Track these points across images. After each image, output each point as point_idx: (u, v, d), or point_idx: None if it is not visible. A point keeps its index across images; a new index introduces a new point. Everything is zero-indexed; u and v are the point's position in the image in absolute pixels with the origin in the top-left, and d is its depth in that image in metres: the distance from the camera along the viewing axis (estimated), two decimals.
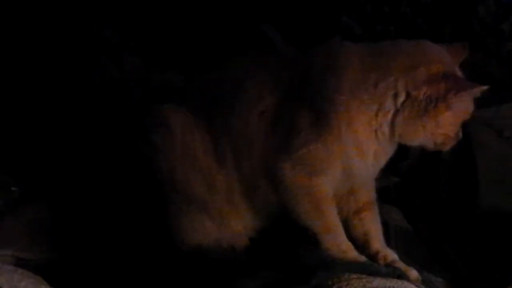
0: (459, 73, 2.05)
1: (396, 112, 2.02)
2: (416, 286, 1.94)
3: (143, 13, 3.09)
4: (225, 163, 2.16)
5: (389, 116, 2.03)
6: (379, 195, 2.53)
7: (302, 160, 2.07)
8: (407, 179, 2.59)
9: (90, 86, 2.88)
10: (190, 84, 2.41)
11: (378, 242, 2.19)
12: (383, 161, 2.13)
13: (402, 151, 2.46)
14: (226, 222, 2.22)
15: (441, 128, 2.02)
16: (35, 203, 2.51)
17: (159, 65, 2.97)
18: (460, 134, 2.07)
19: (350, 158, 2.06)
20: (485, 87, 2.00)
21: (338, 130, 2.03)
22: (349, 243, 2.13)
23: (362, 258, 2.10)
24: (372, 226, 2.20)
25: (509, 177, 2.52)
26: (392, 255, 2.16)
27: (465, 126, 2.59)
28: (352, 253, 2.11)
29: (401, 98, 2.01)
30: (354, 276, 1.90)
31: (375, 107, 2.02)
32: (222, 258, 2.19)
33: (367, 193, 2.21)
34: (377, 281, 1.88)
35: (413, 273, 2.09)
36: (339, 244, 2.11)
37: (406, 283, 1.91)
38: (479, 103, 2.63)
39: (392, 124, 2.03)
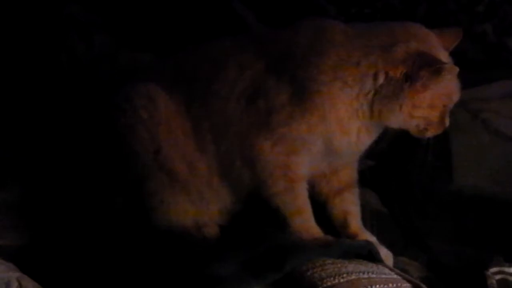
0: (444, 56, 2.04)
1: (376, 92, 2.01)
2: (390, 269, 1.93)
3: None
4: (204, 145, 2.16)
5: (370, 96, 2.03)
6: None
7: (282, 138, 2.06)
8: (383, 162, 2.58)
9: (59, 65, 2.84)
10: (163, 62, 2.38)
11: (357, 224, 2.21)
12: (367, 141, 2.13)
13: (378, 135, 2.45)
14: (205, 205, 2.21)
15: (419, 110, 2.01)
16: (6, 187, 2.47)
17: (128, 44, 2.94)
18: (447, 122, 2.06)
19: (333, 137, 2.06)
20: (456, 68, 1.98)
21: (321, 110, 2.03)
22: (318, 228, 2.13)
23: (331, 239, 2.10)
24: (352, 207, 2.22)
25: (483, 158, 2.52)
26: (370, 238, 2.17)
27: None
28: (322, 236, 2.11)
29: (381, 78, 2.00)
30: (328, 261, 1.89)
31: (357, 87, 2.02)
32: (197, 242, 2.18)
33: (350, 174, 2.23)
34: (352, 266, 1.88)
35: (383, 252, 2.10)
36: (308, 228, 2.11)
37: (380, 267, 1.91)
38: None
39: (372, 104, 2.02)
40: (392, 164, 2.58)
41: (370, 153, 2.41)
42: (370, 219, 2.39)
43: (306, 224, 2.11)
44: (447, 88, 2.02)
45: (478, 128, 2.59)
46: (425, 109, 2.01)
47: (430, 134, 2.07)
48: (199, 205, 2.21)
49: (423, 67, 1.96)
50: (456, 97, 2.06)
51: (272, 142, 2.06)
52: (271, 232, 2.10)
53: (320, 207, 2.23)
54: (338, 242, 2.04)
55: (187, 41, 2.31)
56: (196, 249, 2.14)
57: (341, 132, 2.05)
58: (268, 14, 3.01)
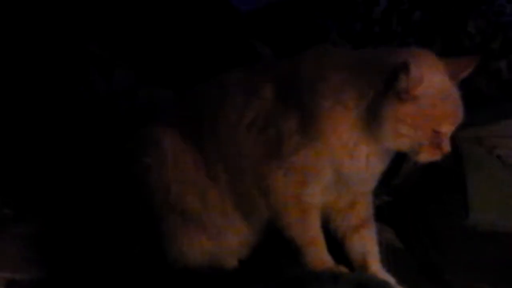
0: (441, 81, 1.97)
1: (369, 109, 2.00)
2: None
3: (133, 28, 3.09)
4: (216, 177, 2.16)
5: (365, 115, 2.01)
6: None
7: (293, 167, 2.06)
8: (399, 197, 2.58)
9: (80, 101, 2.87)
10: (178, 99, 2.40)
11: (376, 265, 2.19)
12: (378, 166, 2.11)
13: (394, 170, 2.46)
14: (223, 237, 2.21)
15: (404, 127, 1.96)
16: (27, 223, 2.49)
17: (148, 80, 2.97)
18: (446, 148, 2.00)
19: (341, 164, 2.05)
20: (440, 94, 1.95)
21: (325, 136, 2.02)
22: (331, 258, 2.12)
23: (344, 270, 2.09)
24: (371, 246, 2.20)
25: (499, 194, 2.52)
26: (389, 279, 2.15)
27: (456, 143, 2.61)
28: (334, 267, 2.10)
29: (372, 94, 1.98)
30: None
31: (356, 109, 2.00)
32: (216, 276, 2.19)
33: (366, 208, 2.20)
34: None
35: None
36: (321, 258, 2.11)
37: None
38: (470, 120, 2.65)
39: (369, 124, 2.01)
40: (408, 199, 2.59)
41: (387, 189, 2.42)
42: (386, 254, 2.39)
43: (319, 255, 2.11)
44: (433, 110, 1.95)
45: (494, 164, 2.60)
46: (410, 127, 1.95)
47: (424, 158, 1.99)
48: (216, 238, 2.20)
49: (401, 76, 1.92)
50: (447, 126, 1.98)
51: (284, 171, 2.06)
52: (287, 264, 2.10)
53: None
54: (352, 275, 2.04)
55: (207, 77, 2.33)
56: (214, 284, 2.14)
57: (349, 158, 2.04)
58: (285, 50, 3.03)
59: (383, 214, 2.54)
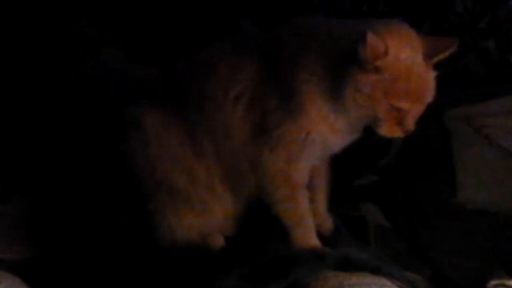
0: (410, 55, 1.93)
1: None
2: (392, 282, 1.94)
3: (121, 6, 3.07)
4: (204, 153, 2.15)
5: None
6: (359, 193, 2.55)
7: (279, 141, 2.05)
8: (386, 177, 2.59)
9: (69, 79, 2.86)
10: (161, 76, 2.40)
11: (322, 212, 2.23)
12: (351, 137, 2.10)
13: (381, 149, 2.46)
14: (209, 213, 2.21)
15: (361, 97, 1.94)
16: (14, 202, 2.49)
17: (137, 58, 2.96)
18: (408, 127, 1.96)
19: (324, 136, 2.05)
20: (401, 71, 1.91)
21: (305, 109, 2.01)
22: (317, 239, 2.13)
23: (329, 251, 2.10)
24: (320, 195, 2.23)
25: (487, 173, 2.53)
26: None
27: (444, 122, 2.62)
28: (320, 247, 2.10)
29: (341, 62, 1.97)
30: (331, 274, 1.90)
31: (330, 79, 1.99)
32: (202, 254, 2.19)
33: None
34: (355, 279, 1.89)
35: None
36: (308, 239, 2.11)
37: (383, 280, 1.92)
38: (458, 100, 2.66)
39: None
40: (396, 179, 2.59)
41: (374, 168, 2.42)
42: (373, 233, 2.40)
43: (305, 234, 2.12)
44: (394, 85, 1.92)
45: (482, 143, 2.60)
46: (367, 97, 1.93)
47: (383, 132, 1.97)
48: (203, 214, 2.20)
49: (360, 45, 1.89)
50: (407, 103, 1.93)
51: (270, 146, 2.06)
52: (274, 244, 2.11)
53: None
54: (337, 253, 2.05)
55: (193, 54, 2.32)
56: (201, 262, 2.14)
57: (331, 131, 2.03)
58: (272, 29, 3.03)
59: (371, 194, 2.55)
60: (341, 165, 2.19)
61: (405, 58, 1.92)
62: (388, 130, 1.97)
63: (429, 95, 1.97)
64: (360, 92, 1.93)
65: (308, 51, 2.01)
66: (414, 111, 1.96)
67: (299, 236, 2.12)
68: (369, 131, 2.01)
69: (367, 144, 2.08)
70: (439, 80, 1.99)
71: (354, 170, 2.56)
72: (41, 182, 2.56)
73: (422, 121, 2.01)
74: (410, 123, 1.96)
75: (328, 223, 2.23)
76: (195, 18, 3.09)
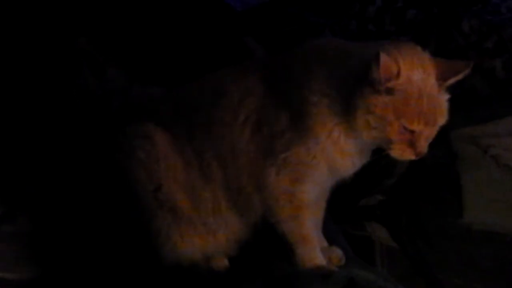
0: (423, 78, 1.92)
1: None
2: None
3: (126, 26, 3.08)
4: (210, 175, 2.15)
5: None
6: (365, 213, 2.53)
7: (285, 164, 2.05)
8: (393, 197, 2.58)
9: (71, 99, 2.86)
10: (168, 97, 2.40)
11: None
12: (362, 160, 2.08)
13: (387, 169, 2.46)
14: (211, 235, 2.20)
15: (374, 119, 1.92)
16: (18, 221, 2.48)
17: (141, 78, 2.96)
18: (420, 149, 1.95)
19: (333, 160, 2.04)
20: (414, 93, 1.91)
21: (314, 131, 2.01)
22: (322, 258, 2.12)
23: (335, 269, 2.10)
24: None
25: (494, 193, 2.52)
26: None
27: (451, 142, 2.61)
28: (325, 266, 2.10)
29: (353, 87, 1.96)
30: None
31: (340, 102, 1.98)
32: (205, 275, 2.18)
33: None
34: None
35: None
36: (313, 258, 2.11)
37: None
38: (464, 120, 2.65)
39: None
40: (402, 198, 2.58)
41: (380, 188, 2.41)
42: (379, 253, 2.39)
43: (310, 253, 2.11)
44: (406, 107, 1.91)
45: (489, 164, 2.60)
46: (379, 119, 1.92)
47: (395, 154, 1.95)
48: (206, 236, 2.20)
49: (373, 67, 1.88)
50: (419, 125, 1.92)
51: (277, 168, 2.06)
52: (278, 263, 2.10)
53: None
54: (342, 273, 2.04)
55: (200, 75, 2.32)
56: (204, 283, 2.13)
57: (340, 154, 2.03)
58: (278, 48, 3.03)
59: (377, 213, 2.54)
60: (348, 185, 2.18)
61: (417, 80, 1.91)
62: (400, 152, 1.96)
63: (442, 118, 1.96)
64: (372, 114, 1.92)
65: (319, 73, 2.00)
66: (426, 133, 1.94)
67: (304, 255, 2.11)
68: (379, 153, 2.00)
69: (374, 164, 2.06)
70: None
71: (360, 190, 2.55)
72: (43, 202, 2.55)
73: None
74: (423, 146, 1.95)
75: (336, 253, 2.21)
76: (198, 37, 3.09)
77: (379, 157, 2.00)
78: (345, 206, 2.46)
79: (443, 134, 2.48)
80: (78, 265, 2.33)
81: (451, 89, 1.99)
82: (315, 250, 2.12)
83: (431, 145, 1.98)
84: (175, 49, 3.05)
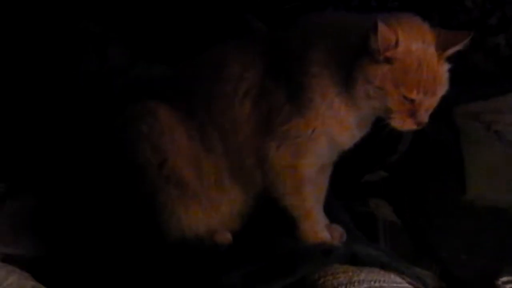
0: (422, 47, 1.93)
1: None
2: (402, 278, 1.94)
3: (126, 3, 3.08)
4: (212, 148, 2.16)
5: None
6: (369, 189, 2.54)
7: (286, 137, 2.06)
8: (396, 173, 2.58)
9: (75, 78, 2.86)
10: (170, 73, 2.40)
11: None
12: (363, 132, 2.09)
13: (391, 146, 2.46)
14: (215, 209, 2.21)
15: (372, 88, 1.94)
16: (21, 197, 2.49)
17: (143, 56, 2.96)
18: (420, 119, 1.95)
19: (333, 133, 2.04)
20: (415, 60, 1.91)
21: (314, 103, 2.01)
22: (326, 232, 2.13)
23: (338, 245, 2.11)
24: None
25: (497, 169, 2.52)
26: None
27: (453, 119, 2.61)
28: (328, 241, 2.11)
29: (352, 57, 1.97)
30: (340, 269, 1.90)
31: (342, 72, 1.98)
32: (209, 250, 2.19)
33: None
34: (364, 274, 1.89)
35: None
36: (316, 232, 2.12)
37: (392, 276, 1.91)
38: (467, 96, 2.65)
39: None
40: (405, 175, 2.58)
41: (383, 165, 2.41)
42: (382, 229, 2.39)
43: (313, 227, 2.12)
44: (406, 76, 1.91)
45: (491, 140, 2.60)
46: (378, 89, 1.92)
47: (396, 124, 1.95)
48: (210, 210, 2.21)
49: (371, 36, 1.89)
50: (419, 94, 1.92)
51: (277, 142, 2.06)
52: (280, 239, 2.10)
53: None
54: (344, 249, 2.05)
55: (201, 53, 2.32)
56: (207, 258, 2.14)
57: (340, 127, 2.03)
58: (279, 25, 3.02)
59: (380, 190, 2.54)
60: (351, 161, 2.18)
61: (416, 49, 1.92)
62: (400, 122, 1.96)
63: (442, 87, 1.96)
64: (371, 84, 1.93)
65: (319, 45, 2.00)
66: (426, 103, 1.94)
67: (307, 228, 2.12)
68: (379, 126, 2.00)
69: (377, 140, 2.06)
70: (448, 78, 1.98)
71: (363, 166, 2.56)
72: (46, 179, 2.56)
73: (431, 117, 1.99)
74: (423, 116, 1.95)
75: (337, 231, 2.21)
76: (199, 14, 3.09)
77: (380, 126, 2.00)
78: (348, 182, 2.46)
79: (446, 110, 2.50)
80: (82, 242, 2.34)
81: (453, 66, 1.99)
82: (318, 224, 2.13)
83: (432, 117, 1.99)
84: (176, 26, 3.05)
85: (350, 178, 2.48)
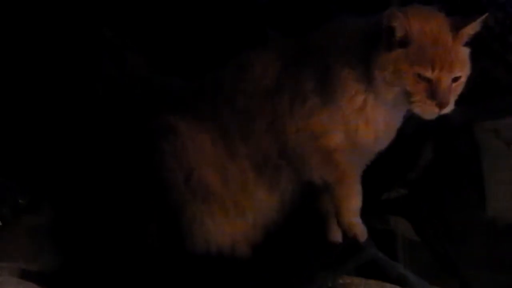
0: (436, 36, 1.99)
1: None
2: None
3: (146, 15, 3.09)
4: (236, 151, 2.19)
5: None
6: (388, 207, 2.53)
7: (307, 127, 2.10)
8: (416, 191, 2.57)
9: (94, 88, 2.87)
10: (191, 84, 2.42)
11: None
12: (396, 125, 2.13)
13: (410, 162, 2.45)
14: (241, 215, 2.23)
15: (388, 74, 1.98)
16: (39, 212, 2.50)
17: (161, 67, 2.97)
18: (441, 97, 1.97)
19: (354, 128, 2.08)
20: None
21: (336, 97, 2.06)
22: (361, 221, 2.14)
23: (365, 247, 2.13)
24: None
25: None
26: None
27: (473, 135, 2.60)
28: (360, 232, 2.12)
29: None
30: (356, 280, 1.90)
31: (362, 66, 2.04)
32: (230, 262, 2.19)
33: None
34: None
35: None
36: (354, 215, 2.13)
37: None
38: (488, 113, 2.64)
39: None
40: (425, 192, 2.58)
41: (403, 182, 2.40)
42: (401, 246, 2.39)
43: (353, 211, 2.12)
44: (420, 55, 1.97)
45: (511, 156, 2.58)
46: (393, 74, 1.98)
47: (418, 110, 1.99)
48: (235, 217, 2.23)
49: (385, 22, 1.97)
50: (435, 71, 1.96)
51: (297, 129, 2.10)
52: (303, 249, 2.11)
53: None
54: (371, 250, 2.07)
55: (220, 66, 2.34)
56: (227, 269, 2.15)
57: (364, 123, 2.07)
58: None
59: (400, 207, 2.53)
60: (371, 178, 2.18)
61: (429, 30, 1.97)
62: (421, 105, 1.98)
63: (460, 65, 1.99)
64: (387, 70, 1.97)
65: (342, 44, 2.07)
66: (444, 81, 1.96)
67: (346, 211, 2.13)
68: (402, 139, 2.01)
69: (397, 157, 2.07)
70: (468, 93, 1.98)
71: (383, 183, 2.55)
72: (67, 193, 2.57)
73: (451, 134, 2.00)
74: (444, 96, 1.97)
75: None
76: (219, 27, 3.10)
77: (407, 119, 2.04)
78: (368, 200, 2.45)
79: (466, 126, 2.49)
80: (101, 258, 2.34)
81: (474, 81, 1.99)
82: (357, 211, 2.13)
83: (454, 137, 1.99)
84: (197, 41, 3.06)
85: (370, 195, 2.47)
